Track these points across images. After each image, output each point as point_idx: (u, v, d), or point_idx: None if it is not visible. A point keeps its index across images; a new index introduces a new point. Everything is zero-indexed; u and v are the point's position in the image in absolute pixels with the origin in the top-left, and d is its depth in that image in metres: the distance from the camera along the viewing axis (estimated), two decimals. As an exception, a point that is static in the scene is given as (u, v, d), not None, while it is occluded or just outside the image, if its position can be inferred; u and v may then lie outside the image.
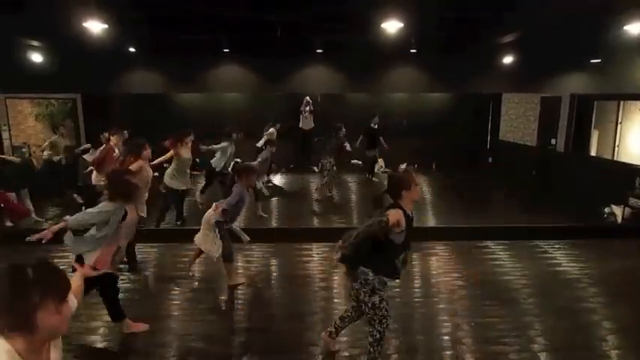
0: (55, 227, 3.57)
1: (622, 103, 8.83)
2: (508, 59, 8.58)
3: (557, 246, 6.42)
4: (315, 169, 12.55)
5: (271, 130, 10.11)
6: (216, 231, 4.79)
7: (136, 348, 3.89)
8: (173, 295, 4.87)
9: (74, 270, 2.30)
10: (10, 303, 1.33)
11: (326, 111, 12.54)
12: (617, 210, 7.79)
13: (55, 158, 8.14)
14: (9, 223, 6.82)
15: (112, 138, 6.81)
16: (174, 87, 9.57)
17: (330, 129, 9.36)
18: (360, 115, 12.44)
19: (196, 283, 5.19)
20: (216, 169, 7.84)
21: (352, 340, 3.96)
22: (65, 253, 6.02)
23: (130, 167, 4.87)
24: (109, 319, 4.27)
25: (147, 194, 5.33)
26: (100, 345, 3.90)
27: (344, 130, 9.29)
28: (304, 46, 8.47)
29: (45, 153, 8.01)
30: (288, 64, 8.83)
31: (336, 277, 5.39)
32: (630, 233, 6.96)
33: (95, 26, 5.54)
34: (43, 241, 3.44)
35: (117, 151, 6.85)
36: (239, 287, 5.01)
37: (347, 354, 3.76)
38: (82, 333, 4.08)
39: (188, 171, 6.78)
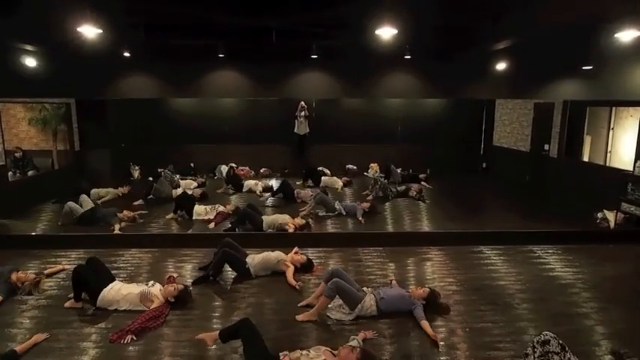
0: None
1: (614, 109, 8.93)
2: (502, 66, 8.65)
3: (550, 251, 6.46)
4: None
5: (333, 178, 11.26)
6: None
7: (128, 355, 3.86)
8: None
9: None
10: None
11: (321, 116, 12.60)
12: (610, 215, 7.85)
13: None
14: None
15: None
16: (169, 92, 9.55)
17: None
18: (355, 120, 12.47)
19: (189, 289, 5.15)
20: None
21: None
22: (59, 258, 5.99)
23: None
24: (101, 325, 4.25)
25: None
26: (92, 352, 3.87)
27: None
28: (299, 51, 8.50)
29: None
30: (284, 70, 8.85)
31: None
32: (623, 238, 7.01)
33: (90, 31, 5.52)
34: None
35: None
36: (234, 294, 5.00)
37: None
38: (75, 340, 4.05)
39: None
